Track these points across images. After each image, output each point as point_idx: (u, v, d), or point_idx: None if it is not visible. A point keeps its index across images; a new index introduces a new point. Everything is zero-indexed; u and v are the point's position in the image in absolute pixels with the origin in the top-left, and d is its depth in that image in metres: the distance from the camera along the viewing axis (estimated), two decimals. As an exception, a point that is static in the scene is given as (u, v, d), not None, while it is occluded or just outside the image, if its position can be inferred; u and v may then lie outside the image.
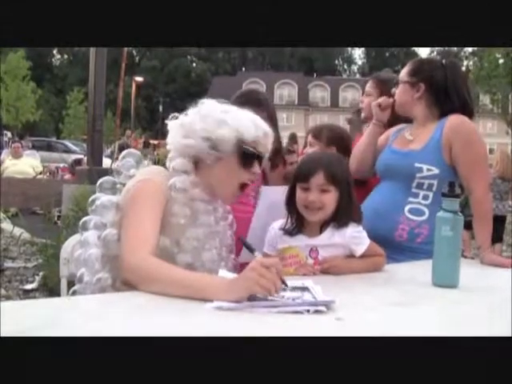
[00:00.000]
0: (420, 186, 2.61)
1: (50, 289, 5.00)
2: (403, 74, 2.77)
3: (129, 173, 2.07)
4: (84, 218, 2.03)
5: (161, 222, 1.86)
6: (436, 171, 2.57)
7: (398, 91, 2.79)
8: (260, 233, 2.36)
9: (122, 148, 10.98)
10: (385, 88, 3.06)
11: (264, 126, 2.01)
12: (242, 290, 1.52)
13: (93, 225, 1.99)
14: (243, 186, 2.03)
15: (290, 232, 2.18)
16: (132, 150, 2.24)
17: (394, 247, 2.28)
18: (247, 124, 1.97)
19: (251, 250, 1.70)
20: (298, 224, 2.17)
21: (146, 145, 21.18)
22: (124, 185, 2.02)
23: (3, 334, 1.16)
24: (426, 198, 2.61)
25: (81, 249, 2.00)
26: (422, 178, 2.60)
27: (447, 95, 2.66)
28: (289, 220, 2.19)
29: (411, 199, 2.63)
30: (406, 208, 2.62)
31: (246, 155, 1.98)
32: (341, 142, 3.15)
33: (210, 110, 2.00)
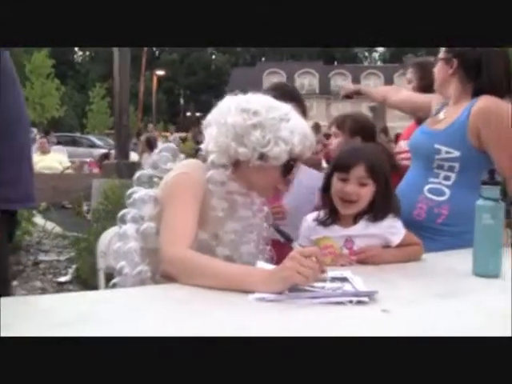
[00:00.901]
0: (441, 167, 2.59)
1: (84, 281, 5.07)
2: (441, 51, 2.74)
3: (166, 166, 2.07)
4: (122, 211, 2.05)
5: (199, 215, 1.87)
6: (456, 154, 2.53)
7: (436, 69, 2.76)
8: (290, 215, 2.36)
9: (149, 142, 11.01)
10: (424, 72, 3.06)
11: (311, 137, 2.00)
12: (283, 280, 1.53)
13: (130, 218, 2.01)
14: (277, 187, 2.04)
15: (323, 223, 2.17)
16: (169, 144, 2.25)
17: (413, 227, 2.25)
18: (300, 138, 1.94)
19: (289, 239, 1.70)
20: (332, 215, 2.17)
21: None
22: (161, 178, 2.04)
23: (46, 328, 1.18)
24: (447, 178, 2.58)
25: (119, 242, 2.02)
26: (441, 159, 2.57)
27: (480, 72, 2.58)
28: (323, 210, 2.18)
29: (432, 179, 2.61)
30: (426, 187, 2.60)
31: (291, 167, 1.99)
32: (365, 131, 3.13)
33: (268, 120, 1.94)
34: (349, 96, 3.39)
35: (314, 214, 2.21)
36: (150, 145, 11.11)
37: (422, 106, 3.00)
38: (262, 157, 1.93)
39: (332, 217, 2.17)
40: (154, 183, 2.06)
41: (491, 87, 2.55)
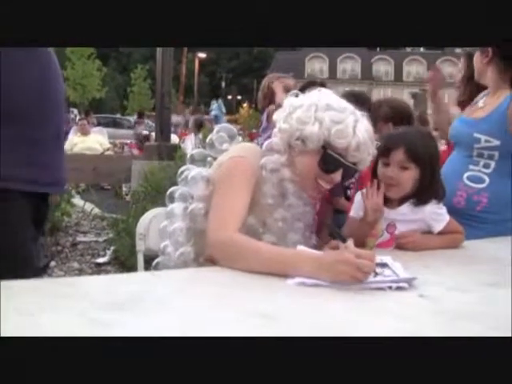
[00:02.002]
0: (481, 155, 2.57)
1: (122, 262, 5.12)
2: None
3: (221, 147, 2.05)
4: (171, 189, 2.04)
5: (250, 200, 1.86)
6: (496, 142, 2.51)
7: (474, 59, 2.75)
8: None
9: (198, 124, 11.11)
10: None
11: (363, 137, 1.88)
12: (334, 275, 1.49)
13: (179, 195, 2.00)
14: (320, 190, 1.97)
15: None
16: (227, 125, 2.24)
17: (453, 214, 2.23)
18: (344, 129, 1.87)
19: (342, 239, 1.65)
20: None
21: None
22: (215, 159, 2.03)
23: (91, 311, 1.19)
24: (487, 166, 2.56)
25: (166, 220, 2.02)
26: (481, 148, 2.55)
27: None
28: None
29: (472, 167, 2.59)
30: (466, 175, 2.59)
31: (329, 159, 1.90)
32: (399, 118, 3.06)
33: (312, 100, 1.93)
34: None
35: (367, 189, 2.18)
36: (199, 126, 11.20)
37: None
38: (301, 138, 1.90)
39: None
40: (208, 163, 2.05)
41: None
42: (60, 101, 1.94)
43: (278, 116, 2.00)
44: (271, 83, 4.39)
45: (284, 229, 1.93)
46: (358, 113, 1.93)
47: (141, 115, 17.53)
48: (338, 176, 1.92)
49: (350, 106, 1.94)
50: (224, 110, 16.07)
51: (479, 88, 2.85)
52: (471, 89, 2.98)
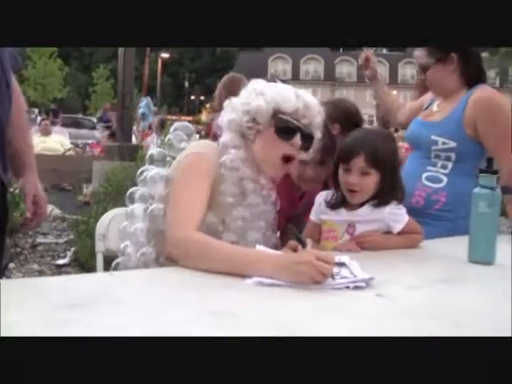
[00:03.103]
0: (438, 157, 2.62)
1: (82, 264, 5.06)
2: (424, 56, 2.68)
3: (179, 146, 2.06)
4: (131, 190, 2.04)
5: (208, 198, 1.86)
6: (452, 144, 2.56)
7: (431, 73, 2.69)
8: None
9: (161, 124, 11.10)
10: None
11: (307, 98, 1.96)
12: (294, 275, 1.50)
13: (139, 196, 1.99)
14: (287, 159, 1.97)
15: (331, 205, 2.16)
16: (184, 123, 2.23)
17: (412, 214, 2.27)
18: (287, 94, 1.93)
19: (302, 243, 1.66)
20: (341, 199, 2.15)
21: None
22: (174, 158, 2.02)
23: (47, 311, 1.18)
24: (444, 167, 2.61)
25: (126, 221, 2.01)
26: (438, 150, 2.60)
27: (473, 60, 2.65)
28: (334, 194, 2.16)
29: (430, 167, 2.64)
30: (424, 175, 2.64)
31: (284, 126, 1.93)
32: (344, 119, 3.03)
33: (253, 86, 1.99)
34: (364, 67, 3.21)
35: (327, 193, 2.20)
36: (164, 127, 11.17)
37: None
38: (251, 118, 1.94)
39: (341, 201, 2.15)
40: (167, 162, 2.05)
41: (481, 76, 2.59)
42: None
43: (221, 117, 2.03)
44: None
45: (244, 227, 1.93)
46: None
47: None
48: (297, 140, 1.94)
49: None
50: (152, 107, 15.87)
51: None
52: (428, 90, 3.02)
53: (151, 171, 1.99)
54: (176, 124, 2.18)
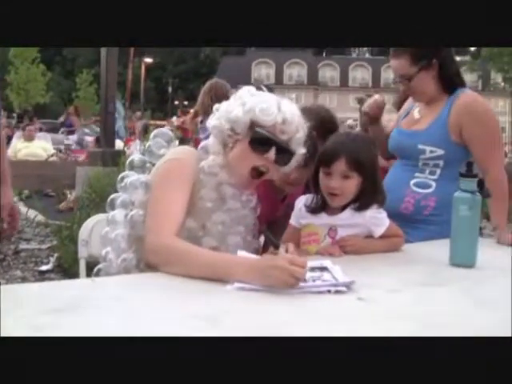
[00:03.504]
0: (426, 165, 2.62)
1: (65, 270, 5.05)
2: (406, 65, 2.62)
3: (159, 152, 2.06)
4: (111, 196, 2.04)
5: (188, 203, 1.87)
6: (440, 152, 2.57)
7: (416, 83, 2.64)
8: None
9: (145, 129, 11.06)
10: None
11: (288, 113, 1.93)
12: (267, 279, 1.50)
13: (120, 203, 2.00)
14: (259, 174, 1.97)
15: (312, 210, 2.17)
16: (163, 130, 2.24)
17: (402, 221, 2.28)
18: (267, 107, 1.91)
19: (275, 245, 1.68)
20: (321, 203, 2.15)
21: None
22: (154, 164, 2.03)
23: (29, 317, 1.18)
24: (432, 173, 2.62)
25: (108, 227, 2.01)
26: (426, 159, 2.60)
27: (451, 65, 2.65)
28: (314, 199, 2.17)
29: (418, 174, 2.64)
30: (412, 182, 2.64)
31: (259, 139, 1.92)
32: (318, 126, 3.02)
33: (241, 93, 1.99)
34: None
35: (306, 197, 2.20)
36: (147, 132, 11.15)
37: None
38: (231, 127, 1.94)
39: (321, 205, 2.16)
40: (147, 169, 2.05)
41: (460, 81, 2.63)
42: None
43: (210, 119, 2.02)
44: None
45: (224, 232, 1.94)
46: (282, 99, 1.98)
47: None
48: (271, 155, 1.93)
49: (274, 95, 2.00)
50: (123, 112, 15.75)
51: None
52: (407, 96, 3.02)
53: (131, 177, 2.00)
54: (156, 131, 2.19)
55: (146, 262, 1.80)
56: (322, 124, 3.04)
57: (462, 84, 2.67)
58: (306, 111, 3.04)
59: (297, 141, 1.97)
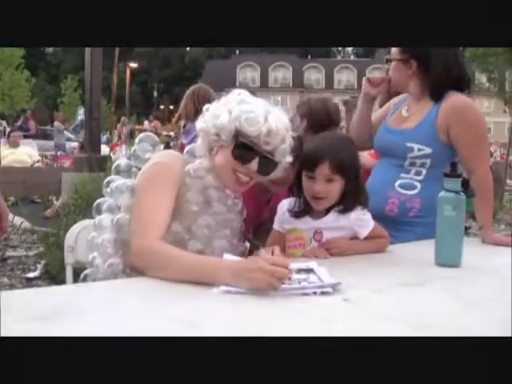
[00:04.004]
0: (413, 164, 2.63)
1: (53, 276, 5.02)
2: (394, 51, 2.73)
3: (145, 156, 2.06)
4: (97, 201, 2.04)
5: (173, 207, 1.87)
6: (428, 151, 2.58)
7: (392, 69, 2.76)
8: None
9: (130, 133, 11.07)
10: None
11: (274, 124, 1.90)
12: (250, 282, 1.51)
13: (106, 207, 2.00)
14: (239, 182, 1.96)
15: (296, 214, 2.17)
16: (149, 134, 2.25)
17: (387, 222, 2.29)
18: (253, 117, 1.89)
19: (256, 246, 1.69)
20: (304, 207, 2.17)
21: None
22: (140, 169, 2.03)
23: (17, 324, 1.18)
24: (418, 173, 2.63)
25: (95, 232, 2.01)
26: (414, 157, 2.61)
27: (437, 70, 2.63)
28: (296, 203, 2.18)
29: (403, 175, 2.65)
30: (397, 183, 2.64)
31: (242, 148, 1.92)
32: (310, 118, 3.05)
33: (228, 98, 1.99)
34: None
35: (289, 201, 2.20)
36: (132, 137, 11.15)
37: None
38: (216, 133, 1.94)
39: (304, 209, 2.17)
40: (133, 173, 2.05)
41: (455, 84, 2.61)
42: None
43: (198, 120, 2.03)
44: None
45: (209, 236, 1.94)
46: (272, 107, 1.97)
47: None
48: (253, 165, 1.92)
49: (263, 101, 1.99)
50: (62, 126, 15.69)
51: (398, 94, 2.92)
52: (393, 95, 3.04)
53: (117, 181, 2.00)
54: (141, 135, 2.20)
55: (132, 266, 1.80)
56: (314, 115, 3.07)
57: (461, 89, 2.65)
58: (309, 100, 3.10)
59: (281, 152, 1.96)
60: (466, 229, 4.63)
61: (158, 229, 1.79)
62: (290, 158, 2.01)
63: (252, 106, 1.93)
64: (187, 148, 2.03)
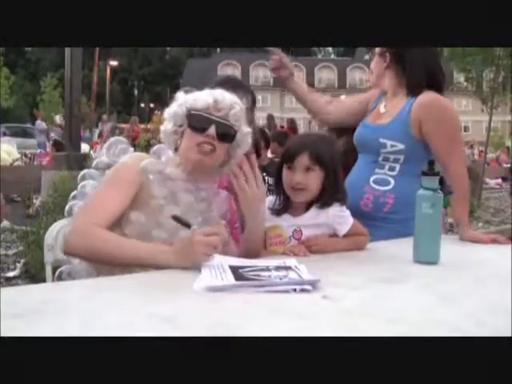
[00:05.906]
0: (386, 159, 2.67)
1: (32, 275, 5.00)
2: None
3: (117, 159, 2.10)
4: (69, 203, 2.08)
5: (139, 203, 1.93)
6: (401, 147, 2.62)
7: (372, 63, 2.89)
8: None
9: (113, 130, 11.04)
10: None
11: (218, 93, 2.01)
12: (192, 260, 1.67)
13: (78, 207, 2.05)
14: (203, 151, 1.98)
15: (276, 211, 2.20)
16: (120, 138, 2.30)
17: (362, 217, 2.31)
18: (197, 94, 2.02)
19: (187, 225, 1.76)
20: (284, 204, 2.20)
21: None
22: None
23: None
24: (392, 169, 2.67)
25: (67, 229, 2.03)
26: (387, 152, 2.65)
27: (413, 66, 2.68)
28: (276, 200, 2.21)
29: (377, 170, 2.69)
30: (372, 178, 2.68)
31: (196, 120, 1.99)
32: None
33: (176, 96, 2.09)
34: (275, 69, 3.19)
35: (270, 200, 2.22)
36: (114, 134, 11.12)
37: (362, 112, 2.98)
38: (174, 123, 2.04)
39: (284, 206, 2.20)
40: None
41: (429, 80, 2.65)
42: None
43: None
44: None
45: (177, 226, 1.93)
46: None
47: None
48: (212, 131, 1.96)
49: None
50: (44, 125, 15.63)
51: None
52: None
53: (86, 185, 2.11)
54: (112, 139, 2.24)
55: (65, 247, 1.86)
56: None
57: (439, 89, 2.69)
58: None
59: (234, 116, 2.01)
60: (451, 226, 4.67)
61: (103, 216, 1.85)
62: (247, 128, 2.08)
63: (197, 92, 2.05)
64: (153, 148, 2.11)
